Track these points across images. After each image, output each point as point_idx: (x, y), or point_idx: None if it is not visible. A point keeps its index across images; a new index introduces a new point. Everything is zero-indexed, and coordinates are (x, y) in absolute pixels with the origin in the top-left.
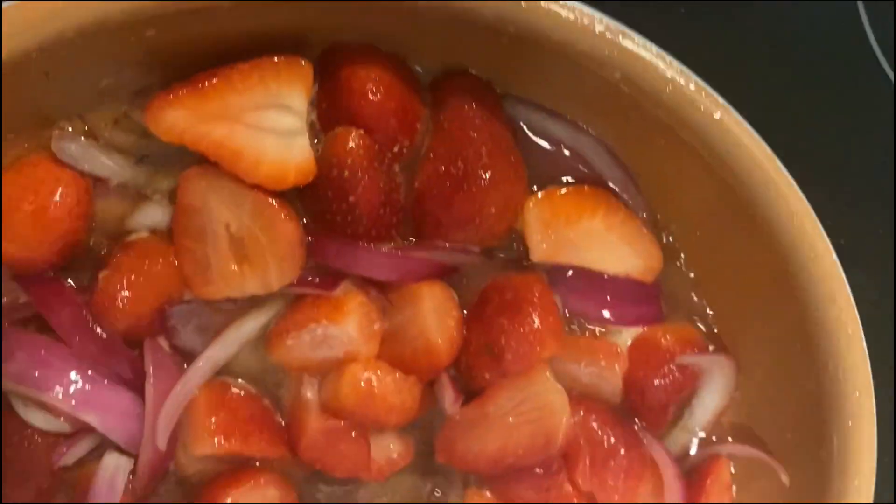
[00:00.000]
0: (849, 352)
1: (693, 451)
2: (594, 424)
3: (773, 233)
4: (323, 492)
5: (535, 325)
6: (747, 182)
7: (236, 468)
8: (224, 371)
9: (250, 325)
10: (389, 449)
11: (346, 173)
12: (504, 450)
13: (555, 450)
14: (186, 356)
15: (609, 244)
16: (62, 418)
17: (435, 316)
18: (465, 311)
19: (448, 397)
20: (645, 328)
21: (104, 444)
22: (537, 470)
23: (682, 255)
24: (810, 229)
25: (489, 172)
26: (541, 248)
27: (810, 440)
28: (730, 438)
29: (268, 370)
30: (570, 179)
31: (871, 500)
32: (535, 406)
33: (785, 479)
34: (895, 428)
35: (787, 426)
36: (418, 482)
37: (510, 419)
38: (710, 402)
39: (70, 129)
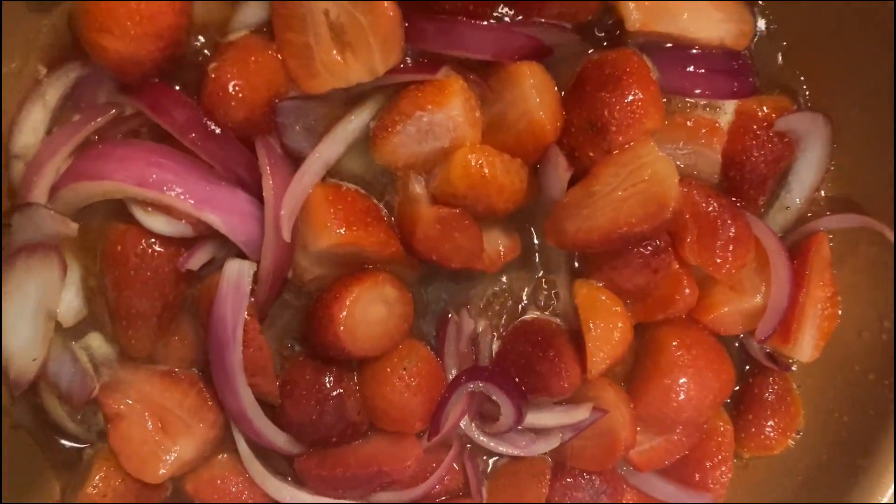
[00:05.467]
0: None
1: (791, 229)
2: (698, 198)
3: None
4: (435, 293)
5: (637, 96)
6: None
7: (353, 271)
8: (333, 175)
9: (355, 123)
10: (498, 243)
11: None
12: (616, 222)
13: (668, 214)
14: (296, 159)
15: (701, 10)
16: (183, 221)
17: (536, 92)
18: (562, 94)
19: (560, 165)
20: (740, 102)
21: (224, 257)
22: (644, 249)
23: (774, 23)
24: None
25: None
26: (636, 16)
27: None
28: (828, 212)
29: (374, 175)
30: None
31: None
32: (641, 177)
33: (890, 235)
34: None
35: (887, 184)
36: (527, 277)
37: (619, 193)
38: (807, 174)
39: None
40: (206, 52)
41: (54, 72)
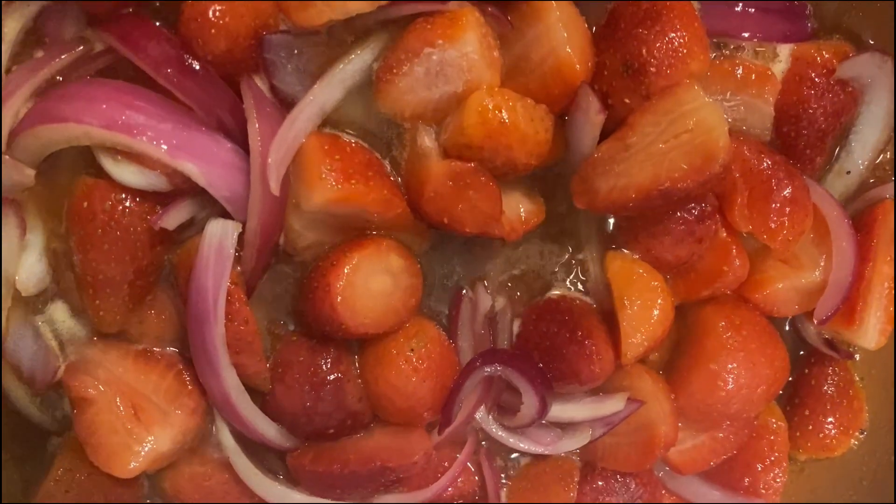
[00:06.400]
0: None
1: (853, 197)
2: (749, 154)
3: None
4: (447, 264)
5: (680, 33)
6: None
7: (353, 237)
8: (331, 125)
9: (355, 64)
10: (519, 207)
11: None
12: (656, 178)
13: (717, 168)
14: (288, 105)
15: None
16: (158, 172)
17: (564, 27)
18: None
19: (592, 107)
20: (795, 46)
21: (206, 217)
22: (687, 214)
23: None
24: None
25: None
26: None
27: None
28: (894, 178)
29: (378, 126)
30: None
31: None
32: (685, 126)
33: None
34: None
35: None
36: (553, 247)
37: (659, 145)
38: (871, 131)
39: None
40: None
41: (13, 0)
